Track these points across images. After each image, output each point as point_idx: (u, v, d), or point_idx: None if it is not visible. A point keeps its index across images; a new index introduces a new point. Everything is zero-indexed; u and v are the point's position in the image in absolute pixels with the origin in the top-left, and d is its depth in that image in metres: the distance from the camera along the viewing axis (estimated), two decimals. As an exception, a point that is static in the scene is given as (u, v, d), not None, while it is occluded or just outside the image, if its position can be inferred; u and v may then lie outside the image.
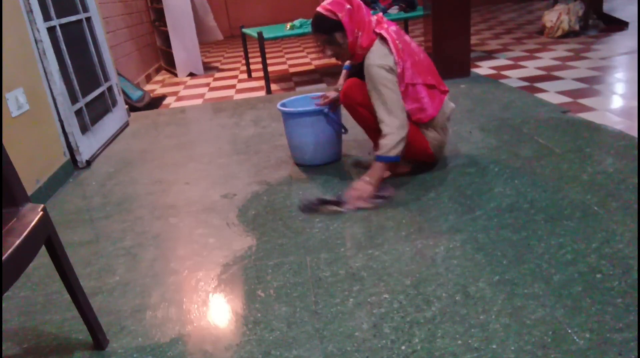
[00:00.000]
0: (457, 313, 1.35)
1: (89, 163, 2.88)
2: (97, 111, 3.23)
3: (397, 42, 1.95)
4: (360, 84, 2.04)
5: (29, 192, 2.26)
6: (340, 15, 1.92)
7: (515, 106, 3.05)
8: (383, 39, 1.96)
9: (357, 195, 1.99)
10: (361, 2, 1.99)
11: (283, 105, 2.46)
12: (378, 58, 1.94)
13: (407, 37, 2.05)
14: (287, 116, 2.42)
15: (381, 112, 1.97)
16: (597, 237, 1.61)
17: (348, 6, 1.93)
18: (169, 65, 5.91)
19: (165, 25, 5.38)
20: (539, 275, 1.46)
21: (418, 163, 2.24)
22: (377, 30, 1.96)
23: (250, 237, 1.88)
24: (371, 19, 1.99)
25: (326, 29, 1.97)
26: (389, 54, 1.94)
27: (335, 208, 1.99)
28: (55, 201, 2.42)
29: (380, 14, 2.08)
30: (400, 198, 2.04)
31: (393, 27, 2.01)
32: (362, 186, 2.00)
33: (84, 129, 2.95)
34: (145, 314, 1.51)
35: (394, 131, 1.95)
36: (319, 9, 1.99)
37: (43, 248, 1.21)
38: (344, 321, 1.37)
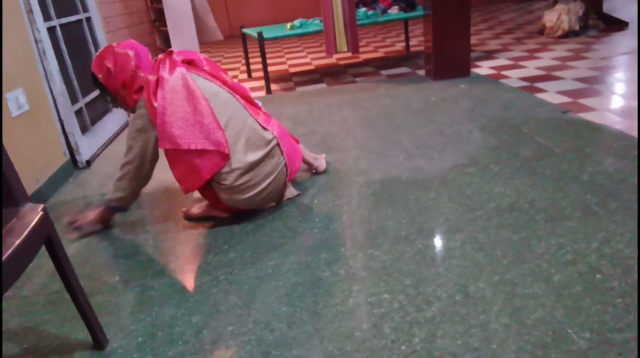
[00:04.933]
0: (457, 313, 1.35)
1: (89, 163, 2.88)
2: (97, 111, 3.23)
3: (164, 99, 1.76)
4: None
5: (29, 192, 2.26)
6: (99, 75, 1.84)
7: (515, 106, 3.05)
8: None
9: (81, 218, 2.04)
10: (131, 56, 1.83)
11: None
12: (136, 115, 1.85)
13: (196, 91, 1.79)
14: None
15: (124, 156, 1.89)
16: (597, 237, 1.61)
17: (109, 65, 1.81)
18: (169, 65, 5.91)
19: (165, 25, 5.39)
20: (539, 275, 1.46)
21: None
22: (142, 81, 1.81)
23: (250, 237, 1.88)
24: (137, 75, 1.82)
25: (96, 85, 1.90)
26: (145, 114, 1.81)
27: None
28: (55, 201, 2.42)
29: (171, 58, 1.87)
30: (400, 198, 2.04)
31: (176, 75, 1.80)
32: (88, 214, 2.04)
33: (84, 129, 2.95)
34: (145, 314, 1.51)
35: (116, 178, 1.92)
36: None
37: (43, 248, 1.21)
38: (344, 321, 1.37)
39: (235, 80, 2.01)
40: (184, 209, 2.11)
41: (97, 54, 1.87)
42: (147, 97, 1.79)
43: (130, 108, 1.90)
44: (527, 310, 1.33)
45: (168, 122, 1.76)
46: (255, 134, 1.90)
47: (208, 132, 1.79)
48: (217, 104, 1.84)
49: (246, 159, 1.86)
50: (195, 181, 1.84)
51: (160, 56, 1.90)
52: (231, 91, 1.96)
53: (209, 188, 1.92)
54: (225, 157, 1.82)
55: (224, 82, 1.97)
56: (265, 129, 1.95)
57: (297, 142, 2.24)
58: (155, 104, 1.77)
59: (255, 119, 1.95)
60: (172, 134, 1.76)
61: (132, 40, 1.95)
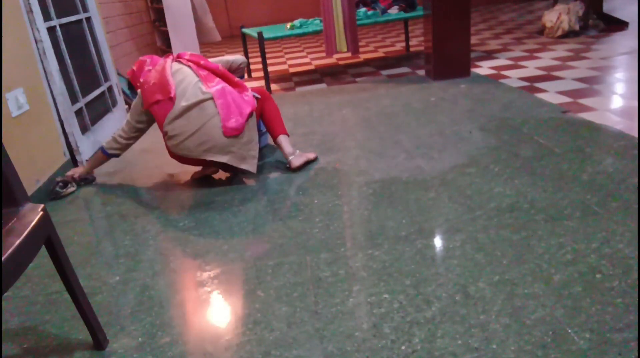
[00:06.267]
0: (457, 313, 1.35)
1: (89, 163, 2.87)
2: (97, 111, 3.23)
3: (147, 76, 2.40)
4: None
5: (29, 192, 2.26)
6: (128, 77, 2.54)
7: (515, 106, 3.05)
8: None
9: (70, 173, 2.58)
10: (147, 62, 2.47)
11: None
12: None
13: (166, 68, 2.36)
14: None
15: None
16: (597, 237, 1.61)
17: (134, 68, 2.48)
18: (169, 65, 5.91)
19: (165, 25, 5.39)
20: (539, 275, 1.46)
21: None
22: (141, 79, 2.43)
23: (251, 237, 1.88)
24: (146, 73, 2.43)
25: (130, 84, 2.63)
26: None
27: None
28: (56, 201, 2.42)
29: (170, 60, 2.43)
30: (401, 198, 2.04)
31: (160, 62, 2.45)
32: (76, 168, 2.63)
33: (84, 129, 2.95)
34: (145, 314, 1.51)
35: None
36: None
37: (43, 248, 1.21)
38: (344, 321, 1.37)
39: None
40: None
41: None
42: (138, 76, 2.44)
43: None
44: (527, 310, 1.33)
45: (145, 89, 2.34)
46: (194, 90, 2.29)
47: (163, 88, 2.29)
48: (176, 73, 2.35)
49: (179, 104, 2.26)
50: (160, 128, 2.32)
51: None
52: (194, 68, 2.39)
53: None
54: (172, 100, 2.27)
55: (197, 64, 2.43)
56: (206, 88, 2.31)
57: (283, 133, 2.49)
58: (141, 80, 2.40)
59: (202, 82, 2.33)
60: (147, 96, 2.32)
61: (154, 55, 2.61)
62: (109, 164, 2.86)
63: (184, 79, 2.32)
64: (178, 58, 2.45)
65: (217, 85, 2.32)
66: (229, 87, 2.34)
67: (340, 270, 1.60)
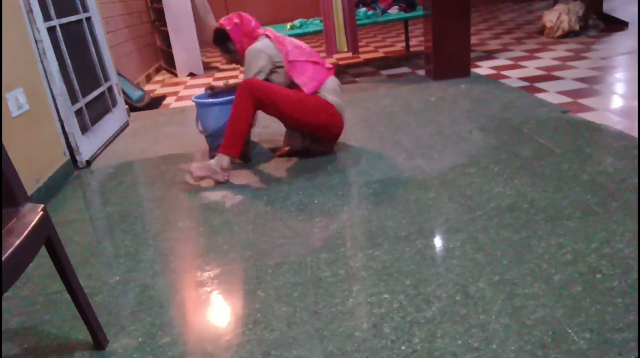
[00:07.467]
0: (457, 313, 1.35)
1: (89, 163, 2.88)
2: (97, 111, 3.23)
3: (279, 37, 2.44)
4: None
5: (29, 192, 2.26)
6: (227, 28, 2.44)
7: (515, 106, 3.05)
8: (266, 36, 2.47)
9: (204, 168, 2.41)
10: (251, 17, 2.48)
11: (198, 98, 2.79)
12: (256, 43, 2.43)
13: (289, 39, 2.49)
14: (203, 107, 2.68)
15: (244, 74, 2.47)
16: (597, 237, 1.61)
17: (236, 20, 2.43)
18: (169, 65, 5.91)
19: (165, 25, 5.39)
20: (539, 275, 1.46)
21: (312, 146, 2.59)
22: (261, 32, 2.45)
23: (251, 237, 1.88)
24: (258, 30, 2.48)
25: (219, 40, 2.51)
26: (270, 43, 2.43)
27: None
28: (56, 201, 2.42)
29: (270, 29, 2.50)
30: (401, 198, 2.04)
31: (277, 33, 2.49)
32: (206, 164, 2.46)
33: (84, 129, 2.95)
34: (145, 314, 1.51)
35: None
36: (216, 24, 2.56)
37: (43, 248, 1.21)
38: (344, 321, 1.37)
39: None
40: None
41: (224, 17, 2.51)
42: (274, 35, 2.44)
43: (240, 58, 2.51)
44: (527, 310, 1.33)
45: (290, 51, 2.41)
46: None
47: (317, 56, 2.48)
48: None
49: (333, 80, 2.51)
50: (315, 84, 2.42)
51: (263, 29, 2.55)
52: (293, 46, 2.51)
53: (319, 103, 2.43)
54: (331, 70, 2.52)
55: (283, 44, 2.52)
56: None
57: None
58: (280, 39, 2.41)
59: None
60: (294, 54, 2.40)
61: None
62: (109, 164, 2.87)
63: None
64: (266, 34, 2.50)
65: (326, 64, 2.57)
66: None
67: (340, 270, 1.60)
